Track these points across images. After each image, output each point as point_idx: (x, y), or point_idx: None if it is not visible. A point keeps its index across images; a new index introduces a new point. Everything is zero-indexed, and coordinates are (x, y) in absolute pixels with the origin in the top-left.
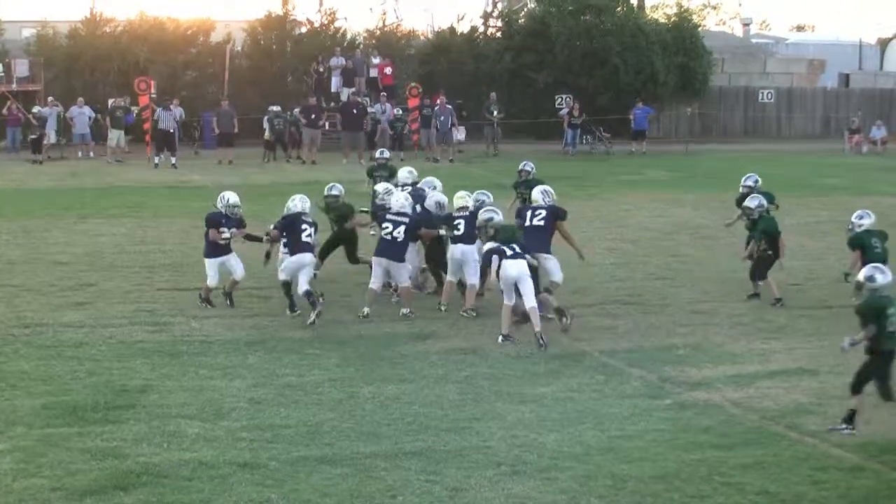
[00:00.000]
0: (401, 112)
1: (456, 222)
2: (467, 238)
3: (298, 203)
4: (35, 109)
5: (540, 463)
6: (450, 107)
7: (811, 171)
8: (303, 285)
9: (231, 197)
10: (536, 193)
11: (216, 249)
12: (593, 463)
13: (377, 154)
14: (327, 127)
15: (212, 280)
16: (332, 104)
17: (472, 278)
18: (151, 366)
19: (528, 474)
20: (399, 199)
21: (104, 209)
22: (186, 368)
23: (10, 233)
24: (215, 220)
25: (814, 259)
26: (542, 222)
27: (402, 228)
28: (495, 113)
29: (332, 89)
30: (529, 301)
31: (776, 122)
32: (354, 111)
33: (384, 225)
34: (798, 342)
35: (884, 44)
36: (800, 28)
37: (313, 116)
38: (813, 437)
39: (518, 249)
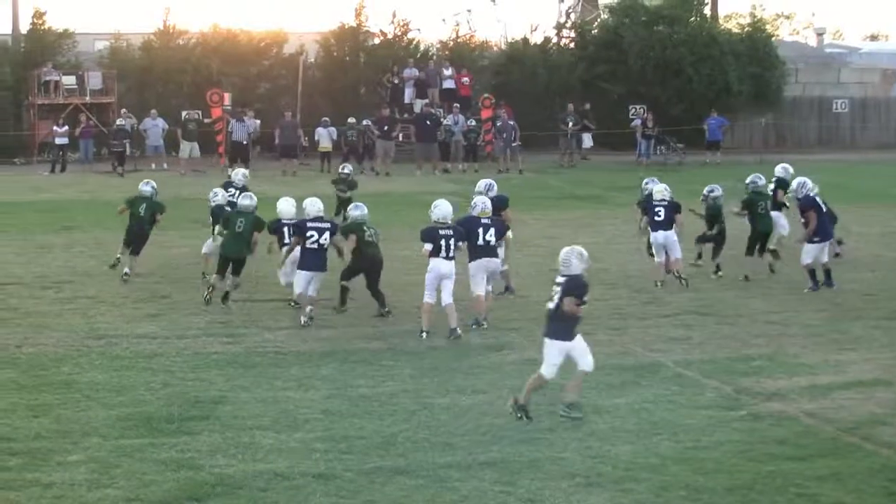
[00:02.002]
0: (474, 123)
1: (657, 209)
2: (666, 224)
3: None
4: (119, 122)
5: (615, 474)
6: (512, 123)
7: (886, 182)
8: None
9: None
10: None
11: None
12: (668, 474)
13: (340, 169)
14: (401, 138)
15: None
16: (406, 115)
17: (678, 253)
18: (226, 377)
19: (602, 486)
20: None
21: (177, 221)
22: (260, 380)
23: (84, 244)
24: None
25: (889, 269)
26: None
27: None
28: (571, 124)
29: (406, 100)
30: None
31: (850, 132)
32: (427, 122)
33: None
34: (873, 353)
35: None
36: (874, 37)
37: (386, 128)
38: (888, 448)
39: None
